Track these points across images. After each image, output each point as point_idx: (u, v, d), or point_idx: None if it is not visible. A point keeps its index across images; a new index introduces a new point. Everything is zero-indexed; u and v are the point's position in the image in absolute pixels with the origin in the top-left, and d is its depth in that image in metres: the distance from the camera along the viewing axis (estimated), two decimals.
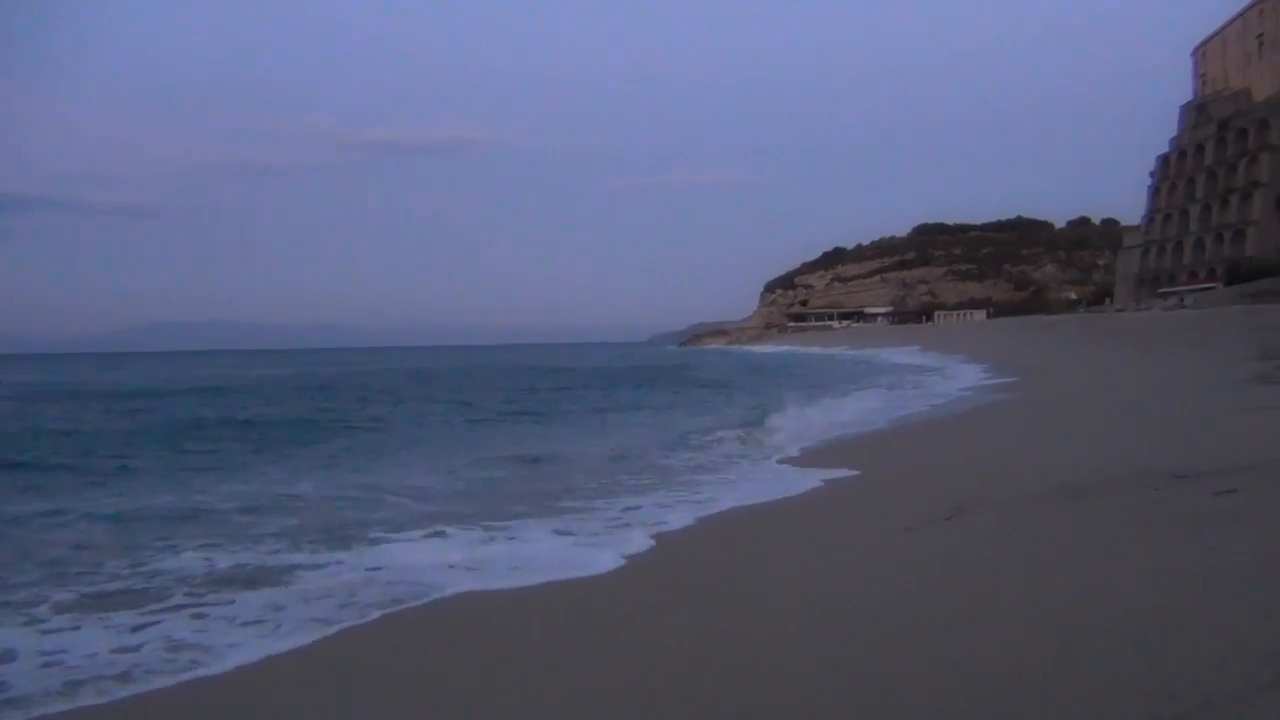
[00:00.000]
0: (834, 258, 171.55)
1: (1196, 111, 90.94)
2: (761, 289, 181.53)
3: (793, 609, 6.59)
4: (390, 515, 11.50)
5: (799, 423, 20.79)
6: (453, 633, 6.76)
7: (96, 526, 11.28)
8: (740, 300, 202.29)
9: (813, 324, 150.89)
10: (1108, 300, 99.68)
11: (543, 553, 9.11)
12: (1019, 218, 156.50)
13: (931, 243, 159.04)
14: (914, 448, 16.32)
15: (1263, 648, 3.88)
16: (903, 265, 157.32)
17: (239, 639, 6.78)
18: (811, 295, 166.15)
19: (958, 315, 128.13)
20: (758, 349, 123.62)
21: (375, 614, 7.30)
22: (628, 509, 11.41)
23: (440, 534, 10.13)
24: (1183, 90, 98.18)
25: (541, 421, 25.95)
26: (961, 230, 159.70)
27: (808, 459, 15.35)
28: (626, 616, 6.75)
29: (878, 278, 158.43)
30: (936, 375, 40.23)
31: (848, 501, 11.37)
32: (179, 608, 7.61)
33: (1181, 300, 71.29)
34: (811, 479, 12.99)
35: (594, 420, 26.09)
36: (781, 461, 15.38)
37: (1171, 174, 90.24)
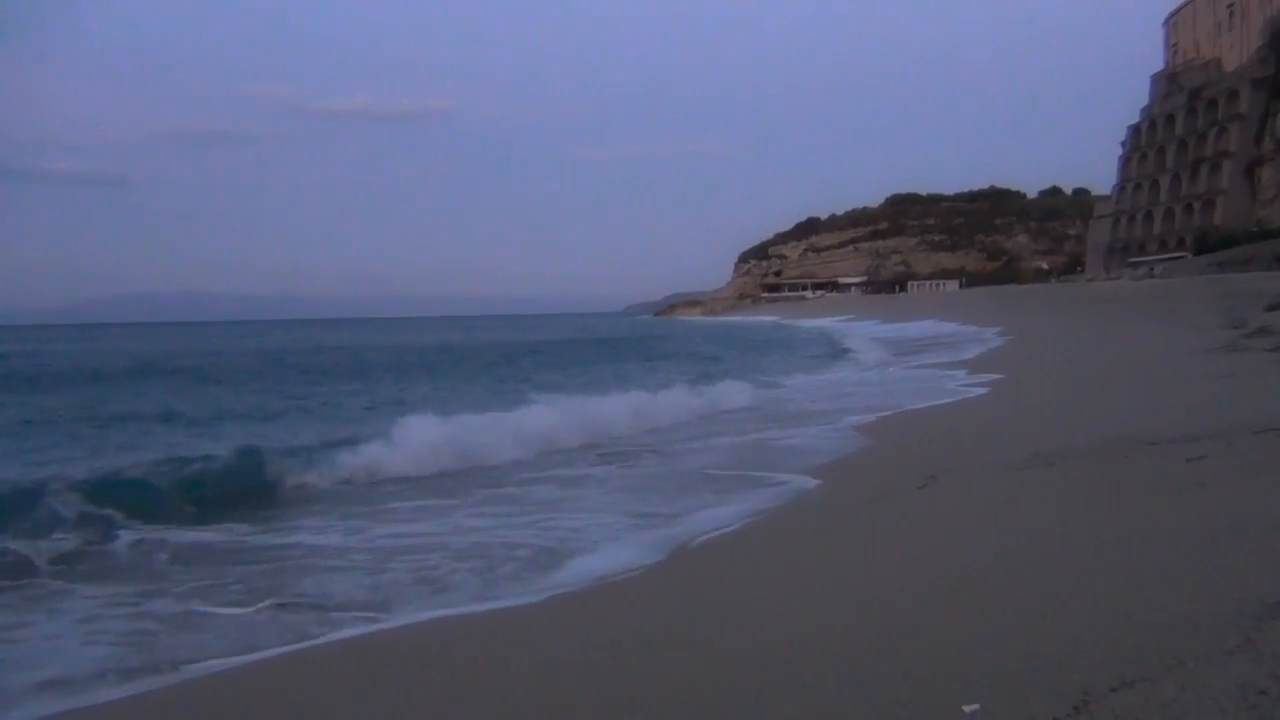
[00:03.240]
0: (807, 228, 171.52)
1: (1167, 81, 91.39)
2: (736, 259, 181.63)
3: (768, 578, 6.61)
4: None
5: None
6: None
7: None
8: (714, 271, 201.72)
9: (786, 294, 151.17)
10: (1079, 270, 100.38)
11: None
12: (991, 188, 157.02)
13: (904, 213, 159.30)
14: (888, 420, 16.37)
15: (1231, 612, 3.90)
16: (876, 235, 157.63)
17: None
18: (785, 266, 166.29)
19: (930, 285, 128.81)
20: (736, 319, 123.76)
21: None
22: None
23: None
24: (1154, 60, 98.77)
25: None
26: (934, 200, 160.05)
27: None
28: None
29: (851, 248, 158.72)
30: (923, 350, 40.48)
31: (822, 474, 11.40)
32: None
33: (1151, 270, 71.84)
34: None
35: None
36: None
37: (1142, 144, 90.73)
